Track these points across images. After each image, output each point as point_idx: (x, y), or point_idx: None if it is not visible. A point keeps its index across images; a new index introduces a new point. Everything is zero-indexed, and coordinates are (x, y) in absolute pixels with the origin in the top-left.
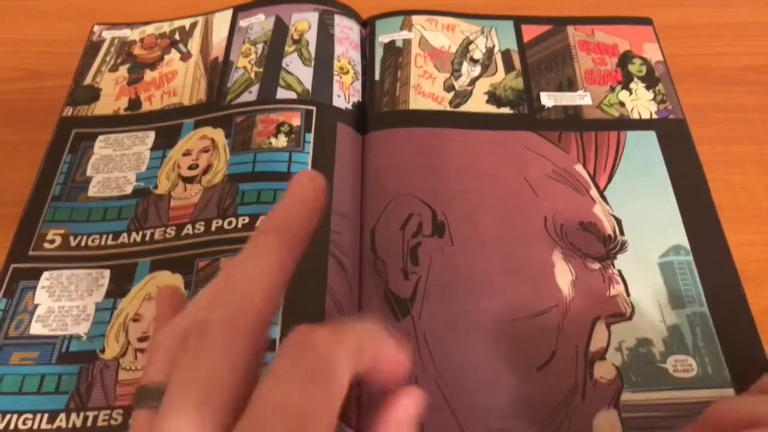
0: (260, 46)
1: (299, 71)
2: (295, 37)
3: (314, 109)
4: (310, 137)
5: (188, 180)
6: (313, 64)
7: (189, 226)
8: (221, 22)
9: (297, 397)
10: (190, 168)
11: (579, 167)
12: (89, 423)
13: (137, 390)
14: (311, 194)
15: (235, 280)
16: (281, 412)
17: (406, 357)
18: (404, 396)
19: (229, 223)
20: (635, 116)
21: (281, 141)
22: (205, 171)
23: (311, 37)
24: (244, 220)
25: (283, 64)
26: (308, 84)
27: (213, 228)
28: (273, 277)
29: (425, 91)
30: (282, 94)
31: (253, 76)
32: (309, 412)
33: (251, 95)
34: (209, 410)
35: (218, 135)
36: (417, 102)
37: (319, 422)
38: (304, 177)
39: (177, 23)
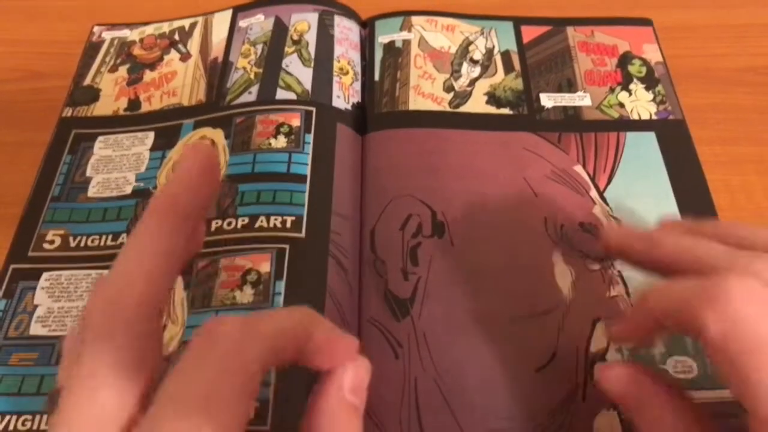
0: (260, 47)
1: (299, 72)
2: (295, 37)
3: (314, 109)
4: (310, 138)
5: None
6: (312, 64)
7: None
8: (221, 23)
9: (202, 388)
10: None
11: (579, 168)
12: None
13: (48, 396)
14: (197, 170)
15: (116, 266)
16: (183, 404)
17: (347, 336)
18: (340, 369)
19: (229, 224)
20: (635, 117)
21: (281, 142)
22: None
23: (311, 37)
24: (243, 220)
25: (283, 65)
26: (308, 85)
27: (212, 228)
28: (154, 260)
29: (425, 91)
30: (281, 94)
31: (252, 76)
32: (213, 403)
33: (251, 96)
34: (99, 409)
35: (218, 135)
36: (416, 103)
37: (225, 413)
38: (190, 151)
39: (176, 23)
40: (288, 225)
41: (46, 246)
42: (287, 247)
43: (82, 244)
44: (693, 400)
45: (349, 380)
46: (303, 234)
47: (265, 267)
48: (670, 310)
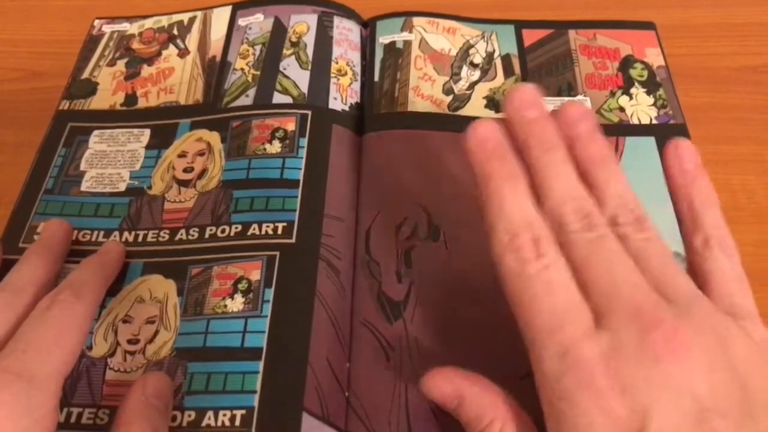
0: (258, 48)
1: (296, 75)
2: (293, 39)
3: (309, 113)
4: (304, 142)
5: (183, 183)
6: (310, 67)
7: (183, 231)
8: (220, 19)
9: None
10: (185, 171)
11: None
12: (73, 419)
13: None
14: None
15: None
16: None
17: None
18: (144, 378)
19: (222, 231)
20: (635, 121)
21: (275, 147)
22: (201, 175)
23: (309, 39)
24: (236, 228)
25: (281, 68)
26: (304, 88)
27: (207, 235)
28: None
29: (424, 93)
30: (278, 98)
31: (250, 79)
32: None
33: (248, 99)
34: None
35: (214, 139)
36: (415, 104)
37: None
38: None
39: (176, 17)
40: (279, 231)
41: (36, 237)
42: (277, 253)
43: (73, 238)
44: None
45: (152, 386)
46: (293, 239)
47: (256, 275)
48: None
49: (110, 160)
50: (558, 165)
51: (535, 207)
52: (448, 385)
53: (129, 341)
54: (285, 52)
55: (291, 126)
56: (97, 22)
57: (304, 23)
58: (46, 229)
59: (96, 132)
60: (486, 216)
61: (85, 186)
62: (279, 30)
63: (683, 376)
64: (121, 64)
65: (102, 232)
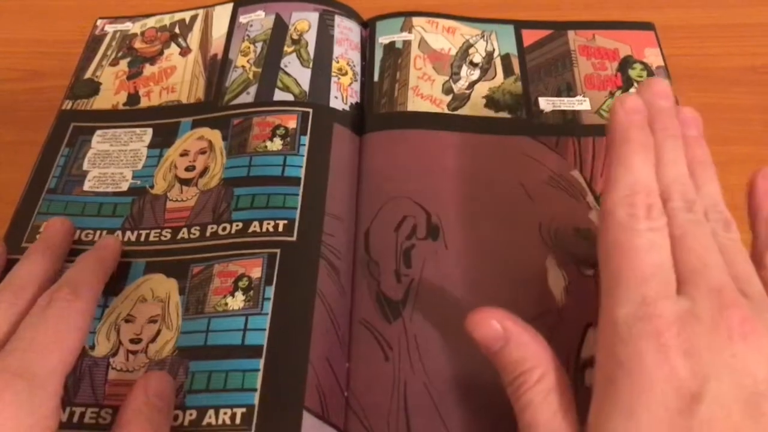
0: (259, 45)
1: (297, 72)
2: (295, 37)
3: (311, 111)
4: (306, 140)
5: (185, 182)
6: (311, 65)
7: (184, 230)
8: (221, 17)
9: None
10: (187, 169)
11: (576, 173)
12: (75, 419)
13: None
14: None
15: None
16: None
17: None
18: (146, 377)
19: (224, 229)
20: None
21: (276, 144)
22: (202, 174)
23: (310, 37)
24: (237, 225)
25: (282, 65)
26: (306, 86)
27: (208, 233)
28: None
29: (423, 93)
30: (279, 95)
31: (251, 76)
32: None
33: (249, 96)
34: None
35: (215, 137)
36: (415, 104)
37: None
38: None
39: (177, 16)
40: (280, 229)
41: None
42: (278, 251)
43: (76, 238)
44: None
45: (154, 386)
46: (294, 237)
47: (257, 272)
48: None
49: (113, 160)
50: (677, 150)
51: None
52: (494, 323)
53: (131, 341)
54: (286, 49)
55: (292, 123)
56: (99, 22)
57: (305, 21)
58: (47, 227)
59: (99, 132)
60: (611, 171)
61: (87, 186)
62: (280, 27)
63: (748, 357)
64: (123, 64)
65: (104, 232)
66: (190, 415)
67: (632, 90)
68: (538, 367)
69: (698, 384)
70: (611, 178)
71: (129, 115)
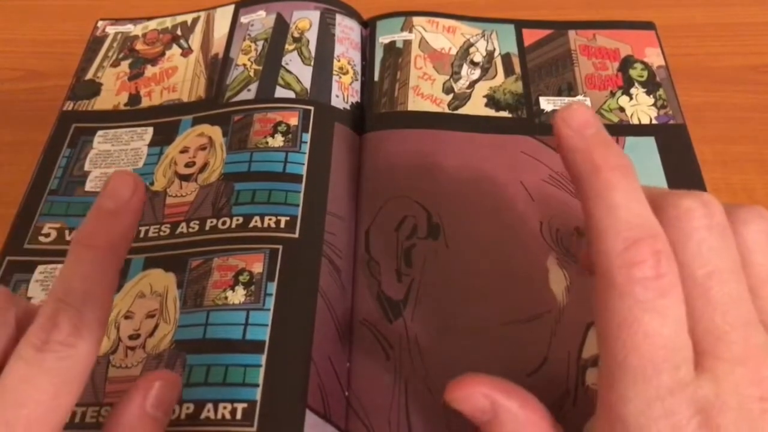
0: (260, 44)
1: (299, 70)
2: (296, 35)
3: (312, 108)
4: (307, 137)
5: (184, 178)
6: (312, 63)
7: (183, 225)
8: (222, 18)
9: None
10: (187, 165)
11: None
12: (77, 419)
13: None
14: (124, 202)
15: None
16: None
17: None
18: (145, 383)
19: (223, 223)
20: (635, 122)
21: (278, 140)
22: (202, 169)
23: (312, 35)
24: (238, 220)
25: (283, 63)
26: (307, 83)
27: (207, 227)
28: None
29: (424, 92)
30: (280, 93)
31: (252, 74)
32: None
33: (250, 93)
34: None
35: (215, 133)
36: (415, 103)
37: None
38: (117, 181)
39: (179, 18)
40: (282, 225)
41: (41, 239)
42: (280, 247)
43: None
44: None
45: (154, 395)
46: (297, 234)
47: (258, 267)
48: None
49: (114, 160)
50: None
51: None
52: (479, 396)
53: (130, 337)
54: (287, 47)
55: (293, 120)
56: (100, 24)
57: (306, 19)
58: (114, 189)
59: (100, 132)
60: (591, 218)
61: (89, 186)
62: (281, 26)
63: None
64: (125, 65)
65: None
66: (187, 408)
67: (633, 90)
68: None
69: None
70: (596, 230)
71: (130, 115)
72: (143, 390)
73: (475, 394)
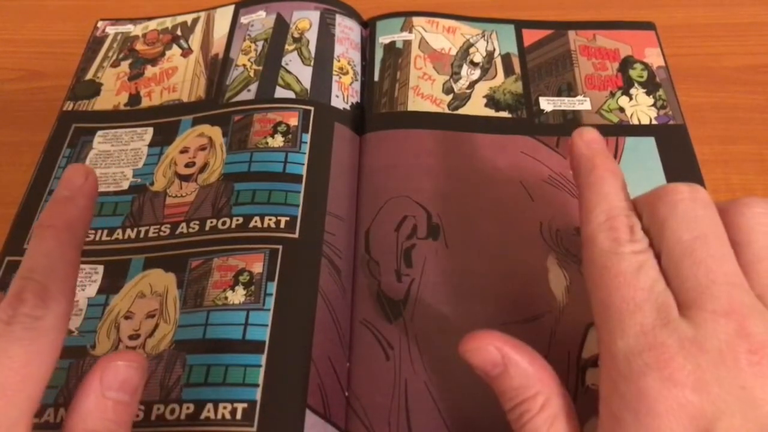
0: (260, 44)
1: (298, 70)
2: (296, 35)
3: (312, 109)
4: (307, 137)
5: (184, 178)
6: (312, 63)
7: (183, 225)
8: (222, 18)
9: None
10: (187, 166)
11: None
12: None
13: None
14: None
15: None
16: None
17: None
18: (104, 366)
19: (223, 223)
20: (635, 122)
21: (278, 141)
22: (202, 169)
23: (312, 36)
24: (237, 220)
25: (283, 63)
26: (307, 84)
27: (207, 227)
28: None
29: (424, 93)
30: (280, 93)
31: (252, 74)
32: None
33: (250, 93)
34: None
35: (215, 133)
36: (415, 104)
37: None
38: (70, 172)
39: (179, 18)
40: (282, 225)
41: None
42: (280, 247)
43: None
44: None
45: (113, 378)
46: (297, 234)
47: (258, 267)
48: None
49: (114, 160)
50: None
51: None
52: (491, 349)
53: (130, 337)
54: (287, 47)
55: (293, 121)
56: (100, 24)
57: (306, 19)
58: (67, 180)
59: (100, 132)
60: (584, 200)
61: None
62: (281, 26)
63: (760, 387)
64: (125, 65)
65: (105, 231)
66: (187, 408)
67: (633, 90)
68: (541, 393)
69: (708, 422)
70: (586, 207)
71: (130, 115)
72: (98, 374)
73: (488, 347)
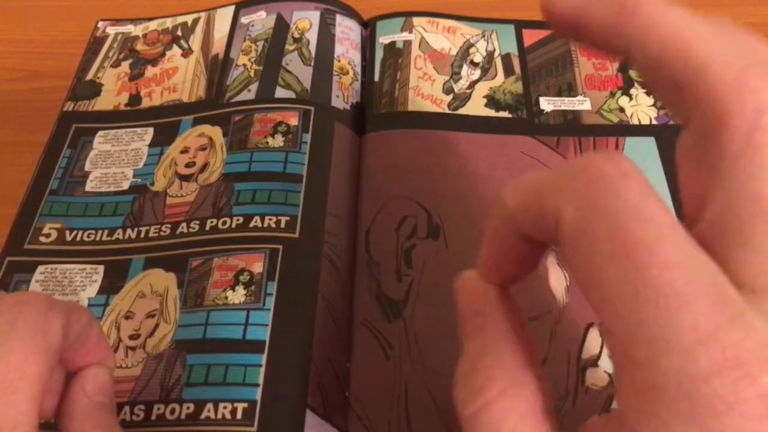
0: (261, 44)
1: (299, 70)
2: (296, 35)
3: (312, 109)
4: (307, 137)
5: (185, 178)
6: (312, 63)
7: (184, 225)
8: (223, 19)
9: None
10: (187, 166)
11: None
12: None
13: None
14: None
15: None
16: None
17: (108, 345)
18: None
19: (224, 223)
20: (635, 122)
21: (278, 140)
22: (202, 169)
23: (312, 36)
24: (238, 220)
25: (283, 63)
26: (307, 84)
27: (207, 227)
28: None
29: (424, 93)
30: (281, 93)
31: (252, 74)
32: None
33: (250, 93)
34: None
35: (216, 133)
36: (415, 104)
37: (29, 376)
38: None
39: (180, 19)
40: (282, 225)
41: (42, 239)
42: (280, 247)
43: (78, 239)
44: None
45: (92, 383)
46: (297, 234)
47: (258, 267)
48: (527, 203)
49: (114, 160)
50: None
51: None
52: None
53: (130, 336)
54: (287, 47)
55: (294, 121)
56: (101, 24)
57: (306, 20)
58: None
59: (100, 132)
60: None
61: (89, 186)
62: (281, 26)
63: None
64: (125, 65)
65: (106, 231)
66: (188, 408)
67: (633, 90)
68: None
69: None
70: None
71: (130, 115)
72: (80, 383)
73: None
